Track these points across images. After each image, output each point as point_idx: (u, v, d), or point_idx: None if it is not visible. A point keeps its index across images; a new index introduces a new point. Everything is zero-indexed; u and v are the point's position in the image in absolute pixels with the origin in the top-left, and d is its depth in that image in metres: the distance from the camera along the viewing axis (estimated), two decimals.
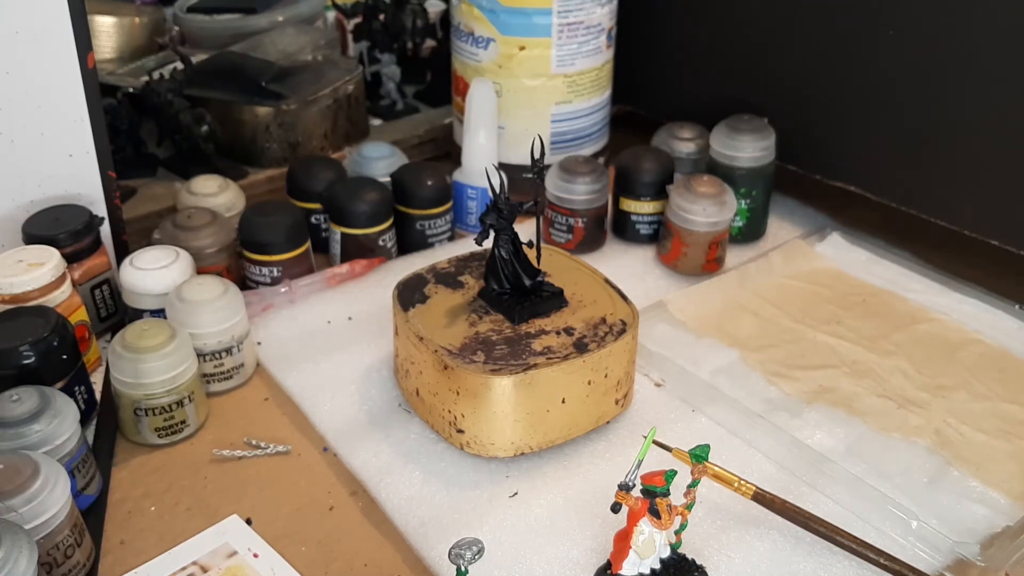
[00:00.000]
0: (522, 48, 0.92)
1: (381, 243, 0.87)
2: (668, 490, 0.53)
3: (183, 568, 0.58)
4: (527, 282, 0.68)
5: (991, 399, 0.73)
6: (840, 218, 0.95)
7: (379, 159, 0.94)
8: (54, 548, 0.55)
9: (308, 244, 0.85)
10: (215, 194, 0.87)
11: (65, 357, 0.66)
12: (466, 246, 0.89)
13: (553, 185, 0.89)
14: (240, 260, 0.83)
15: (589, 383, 0.65)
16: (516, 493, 0.64)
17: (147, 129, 1.01)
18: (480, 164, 0.88)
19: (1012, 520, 0.62)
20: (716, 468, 0.59)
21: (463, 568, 0.51)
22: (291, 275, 0.83)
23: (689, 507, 0.56)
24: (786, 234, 0.95)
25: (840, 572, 0.58)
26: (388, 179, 0.90)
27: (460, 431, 0.65)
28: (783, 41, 0.93)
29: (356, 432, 0.69)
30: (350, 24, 1.13)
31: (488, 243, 0.67)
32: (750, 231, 0.93)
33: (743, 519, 0.62)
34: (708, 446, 0.57)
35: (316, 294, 0.84)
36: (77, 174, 0.77)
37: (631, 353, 0.68)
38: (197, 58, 1.02)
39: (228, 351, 0.72)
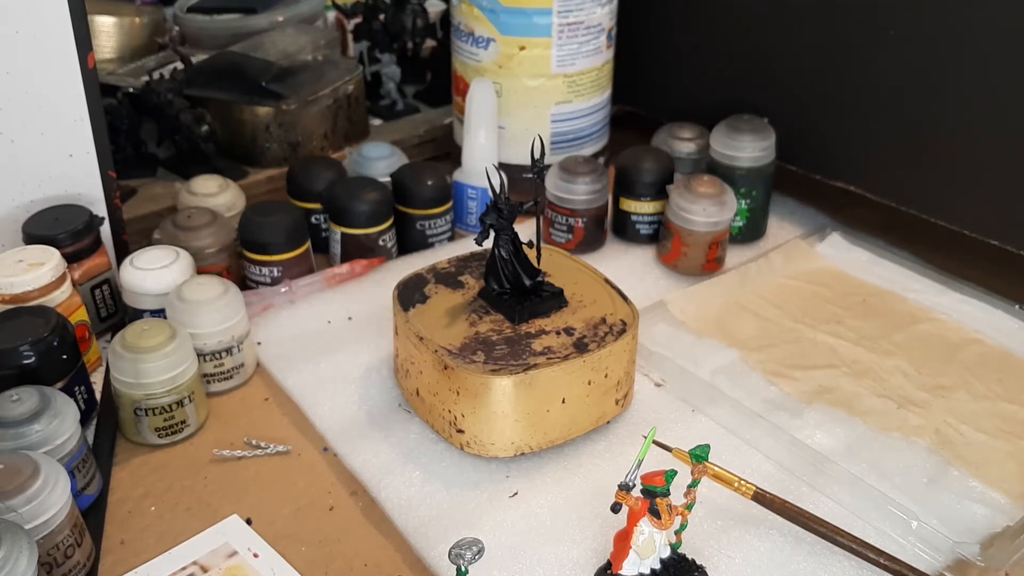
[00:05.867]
0: (522, 48, 0.92)
1: (381, 243, 0.87)
2: (668, 490, 0.53)
3: (183, 568, 0.58)
4: (527, 282, 0.68)
5: (991, 399, 0.73)
6: (840, 218, 0.95)
7: (379, 159, 0.94)
8: (54, 548, 0.55)
9: (308, 244, 0.85)
10: (215, 194, 0.87)
11: (65, 357, 0.66)
12: (466, 246, 0.89)
13: (553, 185, 0.89)
14: (240, 260, 0.83)
15: (589, 383, 0.65)
16: (516, 493, 0.64)
17: (147, 129, 1.01)
18: (480, 164, 0.88)
19: (1012, 520, 0.62)
20: (716, 468, 0.59)
21: (463, 568, 0.51)
22: (291, 275, 0.83)
23: (689, 507, 0.56)
24: (786, 234, 0.94)
25: (840, 572, 0.58)
26: (388, 179, 0.90)
27: (460, 431, 0.65)
28: (783, 41, 0.93)
29: (356, 432, 0.69)
30: (350, 24, 1.13)
31: (488, 243, 0.67)
32: (750, 231, 0.93)
33: (743, 519, 0.62)
34: (708, 446, 0.57)
35: (316, 294, 0.84)
36: (77, 174, 0.77)
37: (631, 353, 0.68)
38: (197, 58, 1.02)
39: (228, 351, 0.72)
